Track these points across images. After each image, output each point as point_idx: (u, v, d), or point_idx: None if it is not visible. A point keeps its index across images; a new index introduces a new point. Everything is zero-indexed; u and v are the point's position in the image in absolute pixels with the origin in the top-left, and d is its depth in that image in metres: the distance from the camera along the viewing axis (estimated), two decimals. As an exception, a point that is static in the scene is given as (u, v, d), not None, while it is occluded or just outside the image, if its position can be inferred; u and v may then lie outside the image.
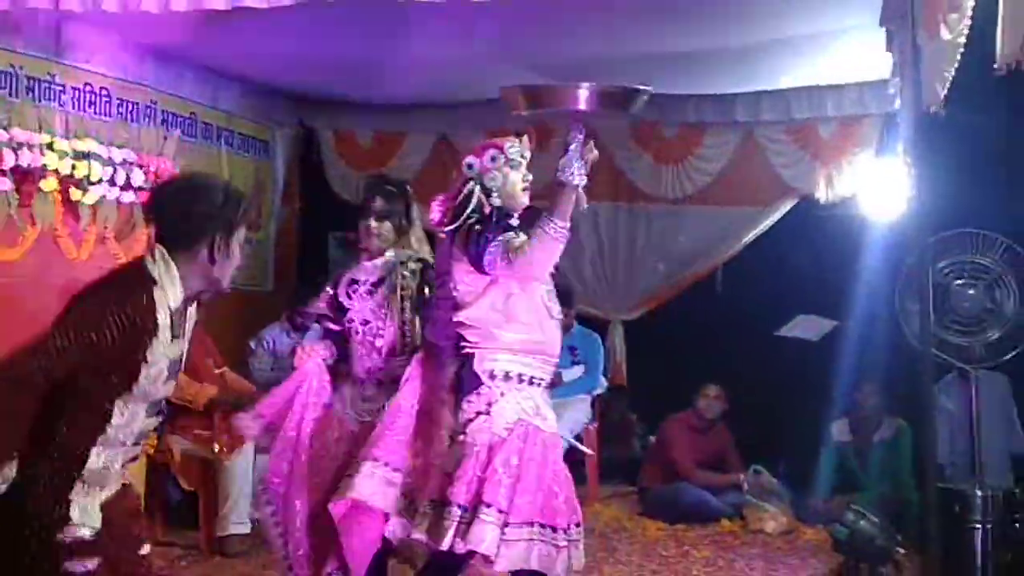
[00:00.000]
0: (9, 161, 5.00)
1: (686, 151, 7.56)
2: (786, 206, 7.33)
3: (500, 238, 3.52)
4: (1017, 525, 5.63)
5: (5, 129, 5.03)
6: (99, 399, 2.58)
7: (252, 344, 6.61)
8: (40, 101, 5.49)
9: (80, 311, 2.57)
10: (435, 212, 3.74)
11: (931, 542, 5.15)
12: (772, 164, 7.29)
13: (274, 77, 7.19)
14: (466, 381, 3.56)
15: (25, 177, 5.13)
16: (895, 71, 5.92)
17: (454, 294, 3.63)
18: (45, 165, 5.19)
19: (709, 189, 7.52)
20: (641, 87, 3.82)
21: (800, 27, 5.74)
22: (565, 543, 3.48)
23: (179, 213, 2.66)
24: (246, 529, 5.41)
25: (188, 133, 6.81)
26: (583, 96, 3.66)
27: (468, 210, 3.61)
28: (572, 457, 6.41)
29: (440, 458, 3.59)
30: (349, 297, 4.14)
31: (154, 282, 2.60)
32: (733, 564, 5.32)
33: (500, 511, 3.40)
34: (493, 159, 3.68)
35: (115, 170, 5.60)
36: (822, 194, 7.11)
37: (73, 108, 5.72)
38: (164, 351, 2.63)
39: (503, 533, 3.39)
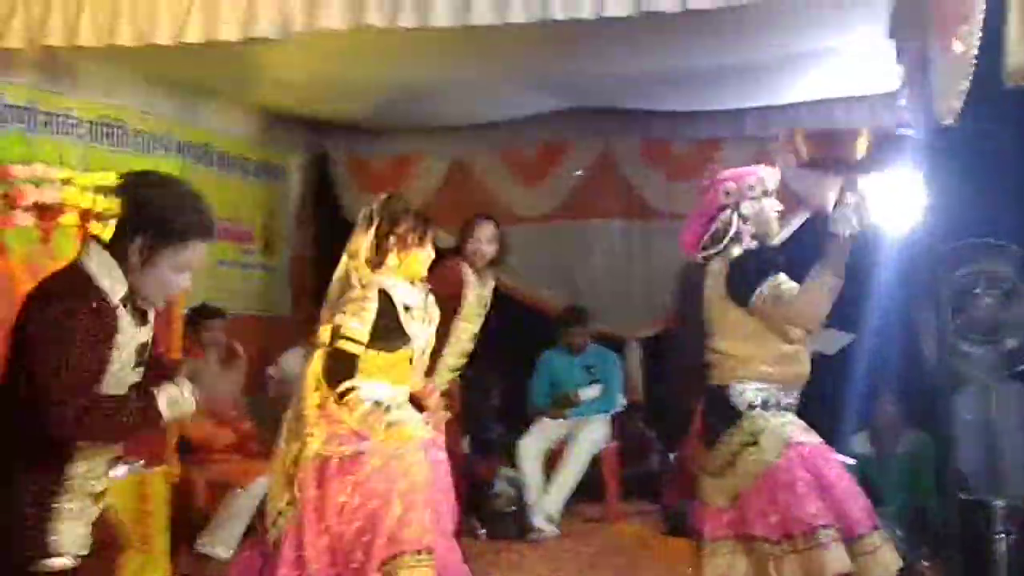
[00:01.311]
0: (31, 197, 5.04)
1: (699, 166, 7.55)
2: (800, 219, 7.34)
3: (771, 280, 3.56)
4: (1040, 536, 5.63)
5: (27, 164, 5.08)
6: None
7: (270, 371, 6.64)
8: (57, 134, 5.56)
9: (39, 330, 2.55)
10: (686, 236, 3.80)
11: (954, 553, 5.15)
12: (785, 176, 7.27)
13: (286, 103, 7.25)
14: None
15: (45, 213, 5.16)
16: (905, 83, 5.94)
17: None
18: (64, 200, 5.22)
19: (720, 204, 7.52)
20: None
21: (808, 42, 5.77)
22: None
23: (122, 205, 2.64)
24: (226, 555, 5.32)
25: (203, 162, 6.87)
26: (864, 145, 3.81)
27: (728, 237, 3.67)
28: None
29: None
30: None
31: (90, 279, 2.58)
32: (756, 579, 5.30)
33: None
34: (751, 187, 3.75)
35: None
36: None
37: (91, 140, 5.79)
38: (128, 339, 2.62)
39: None
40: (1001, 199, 6.55)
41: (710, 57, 5.93)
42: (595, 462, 6.59)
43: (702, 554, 3.77)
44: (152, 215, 2.61)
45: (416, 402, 3.99)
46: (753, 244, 3.73)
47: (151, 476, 4.60)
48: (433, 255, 3.99)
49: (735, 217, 3.70)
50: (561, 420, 6.60)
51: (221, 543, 5.34)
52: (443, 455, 3.97)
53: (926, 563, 5.25)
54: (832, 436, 6.28)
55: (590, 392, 6.63)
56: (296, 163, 7.92)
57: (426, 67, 5.95)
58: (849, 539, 3.52)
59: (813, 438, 3.66)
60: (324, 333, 3.77)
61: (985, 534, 5.46)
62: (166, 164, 6.20)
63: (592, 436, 6.52)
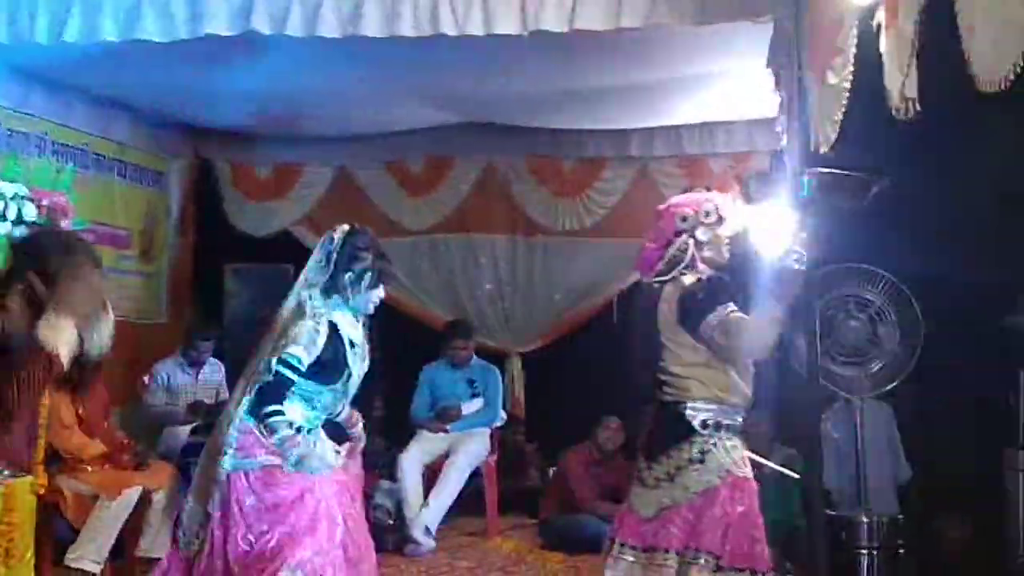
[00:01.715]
0: None
1: (583, 184, 7.69)
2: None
3: (719, 311, 3.60)
4: (901, 551, 5.84)
5: None
6: None
7: (146, 379, 6.50)
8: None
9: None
10: (641, 259, 3.86)
11: (819, 568, 5.30)
12: (666, 197, 7.36)
13: (168, 107, 7.11)
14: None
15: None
16: (782, 110, 6.12)
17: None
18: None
19: (605, 222, 7.65)
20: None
21: (692, 67, 5.90)
22: None
23: None
24: (95, 569, 5.20)
25: (81, 164, 6.69)
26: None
27: (683, 264, 3.74)
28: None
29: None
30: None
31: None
32: (631, 594, 5.37)
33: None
34: (708, 213, 3.82)
35: (6, 205, 5.46)
36: (714, 228, 7.27)
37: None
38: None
39: None
40: (872, 225, 6.79)
41: (596, 77, 6.02)
42: (475, 476, 6.60)
43: (608, 555, 3.86)
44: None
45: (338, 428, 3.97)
46: (706, 271, 3.80)
47: (16, 486, 4.45)
48: (383, 295, 3.93)
49: (691, 243, 3.78)
50: (442, 434, 6.59)
51: (90, 556, 5.20)
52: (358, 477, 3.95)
53: (791, 577, 5.38)
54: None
55: (472, 406, 6.65)
56: (177, 168, 7.77)
57: (311, 77, 5.91)
58: (731, 570, 3.64)
59: (749, 471, 3.80)
60: (267, 360, 3.70)
61: (850, 549, 5.65)
62: (39, 165, 6.01)
63: (473, 450, 6.53)
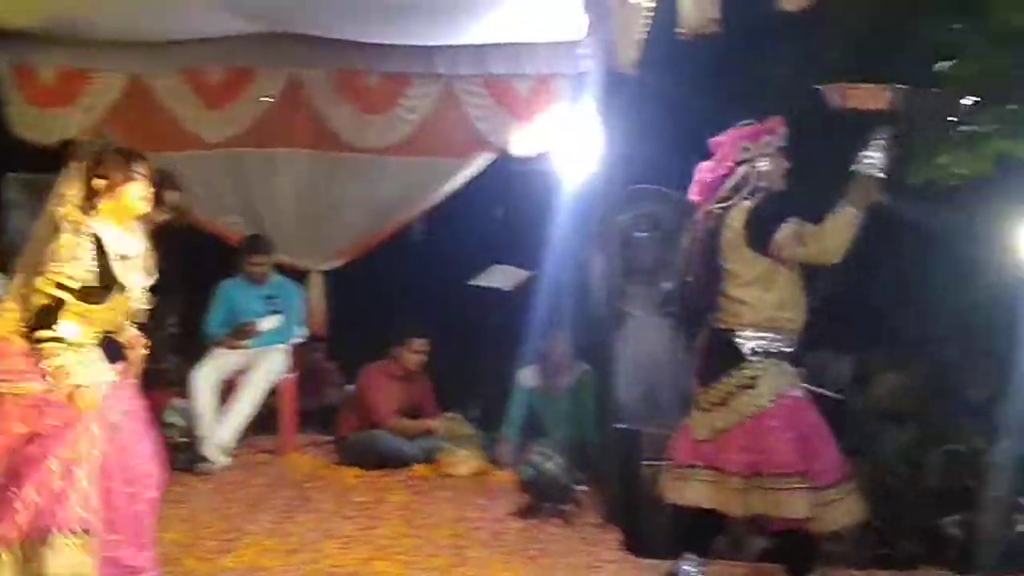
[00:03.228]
0: None
1: (389, 101, 7.55)
2: (484, 159, 7.48)
3: (791, 223, 3.82)
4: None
5: None
6: None
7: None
8: None
9: None
10: (699, 187, 4.04)
11: (609, 479, 5.49)
12: (471, 117, 7.42)
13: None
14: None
15: None
16: (589, 31, 6.16)
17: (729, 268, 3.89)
18: None
19: (411, 140, 7.55)
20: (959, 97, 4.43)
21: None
22: None
23: None
24: None
25: None
26: (898, 98, 3.98)
27: (746, 189, 3.93)
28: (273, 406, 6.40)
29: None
30: None
31: None
32: (425, 507, 5.44)
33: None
34: (768, 144, 3.99)
35: None
36: (518, 149, 7.30)
37: None
38: None
39: None
40: (670, 146, 6.95)
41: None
42: (272, 393, 6.51)
43: (669, 476, 4.12)
44: None
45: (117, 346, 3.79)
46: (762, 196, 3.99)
47: None
48: (148, 190, 3.72)
49: (752, 172, 3.96)
50: (239, 351, 6.46)
51: None
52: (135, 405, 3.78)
53: (584, 488, 5.54)
54: (507, 369, 6.59)
55: (270, 322, 6.52)
56: (-47, 70, 7.24)
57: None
58: (816, 488, 3.84)
59: (800, 391, 3.98)
60: (30, 280, 3.48)
61: (638, 461, 5.85)
62: None
63: (270, 367, 6.43)
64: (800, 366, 4.18)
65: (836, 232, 3.83)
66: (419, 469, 6.15)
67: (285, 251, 7.36)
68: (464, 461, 6.12)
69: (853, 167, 3.86)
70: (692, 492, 4.01)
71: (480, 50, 7.24)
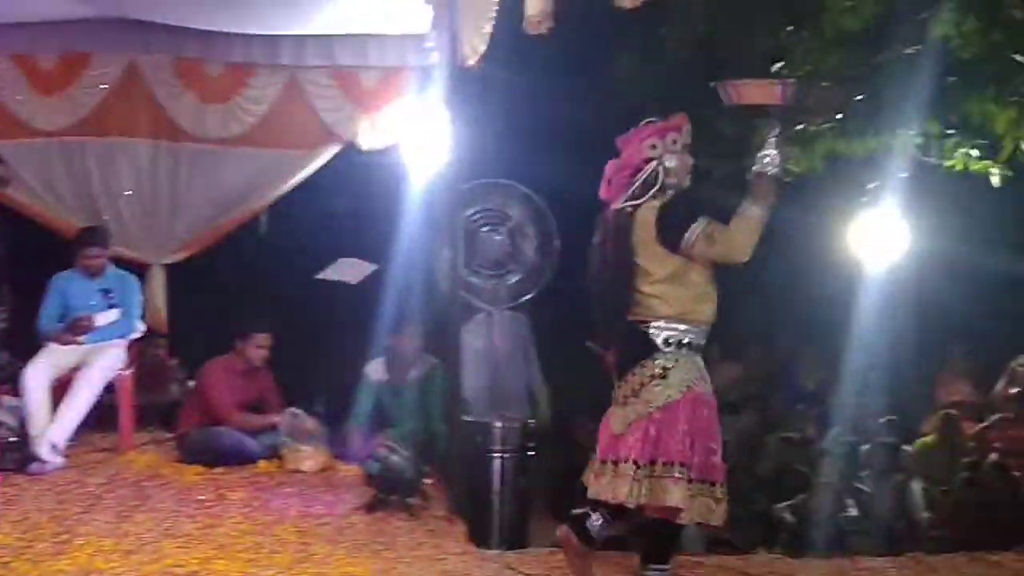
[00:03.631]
0: None
1: (232, 91, 7.41)
2: (330, 151, 7.41)
3: (701, 222, 3.90)
4: (531, 453, 6.18)
5: None
6: None
7: None
8: None
9: None
10: (608, 185, 4.09)
11: (455, 471, 5.53)
12: (316, 109, 7.34)
13: None
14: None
15: None
16: (434, 24, 6.17)
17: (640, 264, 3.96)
18: None
19: (255, 131, 7.42)
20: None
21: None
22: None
23: None
24: None
25: None
26: (789, 93, 3.96)
27: (655, 188, 3.98)
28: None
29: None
30: None
31: None
32: (269, 503, 5.35)
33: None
34: (674, 141, 4.05)
35: None
36: (364, 141, 7.26)
37: None
38: None
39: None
40: (516, 142, 7.03)
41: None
42: (110, 390, 6.31)
43: (592, 471, 4.12)
44: None
45: None
46: (670, 193, 4.05)
47: None
48: None
49: (660, 169, 4.01)
50: (74, 347, 6.23)
51: None
52: None
53: (430, 481, 5.56)
54: (355, 362, 6.55)
55: (106, 317, 6.31)
56: None
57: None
58: (693, 480, 3.92)
59: (708, 387, 4.06)
60: None
61: (484, 453, 5.91)
62: None
63: (106, 363, 6.21)
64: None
65: (743, 232, 3.92)
66: (263, 466, 6.06)
67: (124, 244, 7.16)
68: (309, 457, 6.06)
69: (756, 168, 3.96)
70: (604, 486, 4.04)
71: (326, 41, 7.17)
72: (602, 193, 4.17)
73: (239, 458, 6.09)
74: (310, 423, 6.24)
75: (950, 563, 4.90)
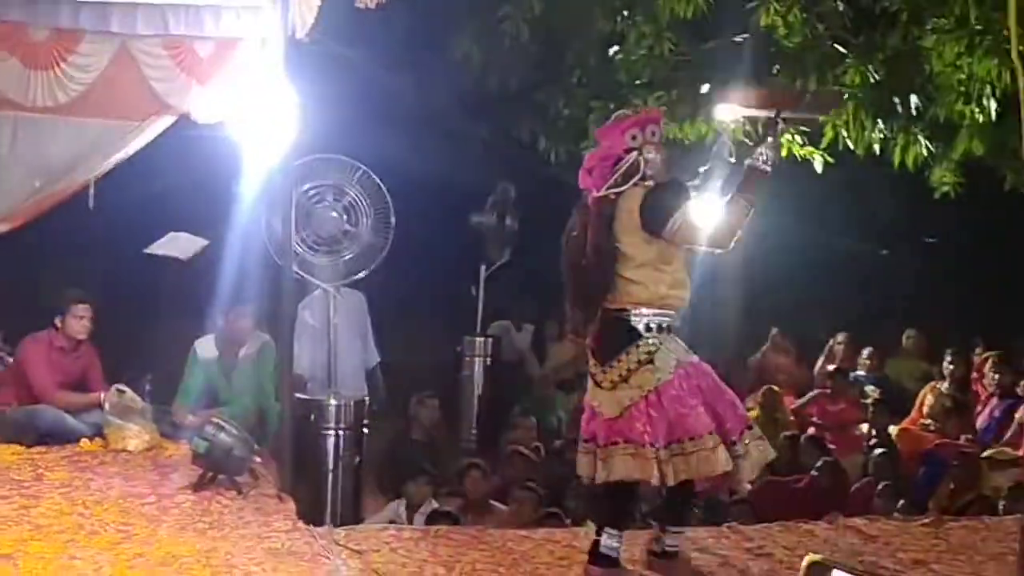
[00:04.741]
0: None
1: (58, 57, 7.10)
2: (162, 123, 7.15)
3: (685, 209, 4.01)
4: (366, 430, 6.19)
5: None
6: None
7: None
8: None
9: None
10: (588, 174, 4.14)
11: (286, 449, 5.49)
12: (148, 79, 7.09)
13: None
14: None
15: None
16: (268, -5, 6.07)
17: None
18: None
19: (82, 100, 7.12)
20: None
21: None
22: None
23: None
24: None
25: None
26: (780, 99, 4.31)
27: (636, 178, 4.06)
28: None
29: None
30: None
31: None
32: (90, 484, 5.18)
33: None
34: (653, 133, 4.15)
35: None
36: (198, 114, 7.07)
37: None
38: None
39: None
40: (351, 117, 6.99)
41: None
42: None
43: (592, 456, 4.14)
44: None
45: None
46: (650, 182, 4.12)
47: None
48: None
49: (640, 159, 4.09)
50: None
51: None
52: None
53: (259, 459, 5.49)
54: (185, 338, 6.43)
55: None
56: None
57: None
58: (728, 443, 4.05)
59: (694, 357, 4.16)
60: None
61: (318, 430, 5.90)
62: None
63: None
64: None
65: (729, 220, 4.04)
66: (85, 445, 5.88)
67: (-60, 215, 6.82)
68: (135, 435, 5.88)
69: (746, 161, 4.09)
70: (621, 468, 4.07)
71: (159, 9, 6.95)
72: (582, 183, 4.24)
73: (60, 437, 5.89)
74: (136, 401, 6.08)
75: (765, 531, 5.10)
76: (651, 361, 4.07)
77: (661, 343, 4.09)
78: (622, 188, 4.12)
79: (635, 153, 4.14)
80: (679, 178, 4.23)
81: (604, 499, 4.28)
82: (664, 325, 4.12)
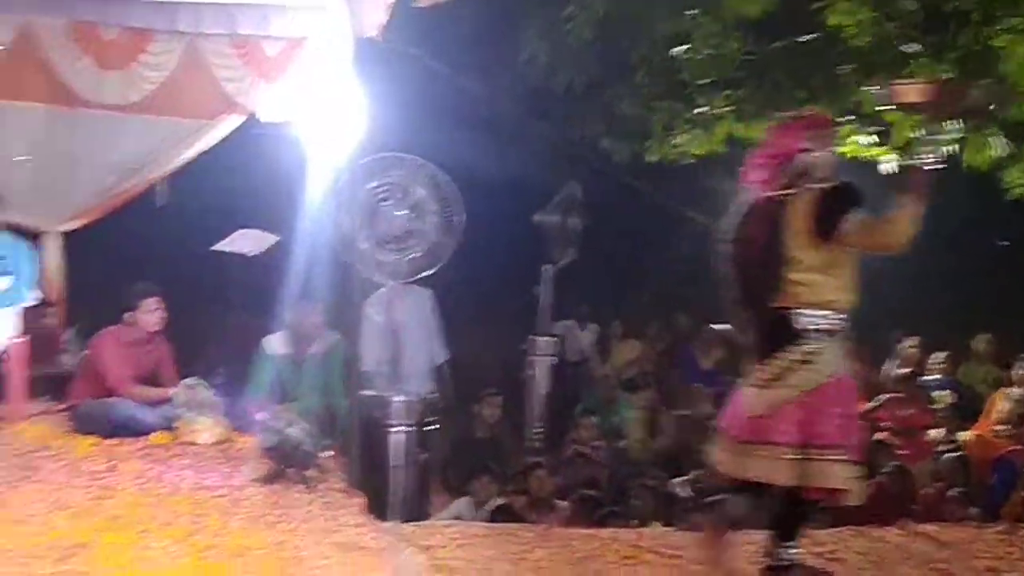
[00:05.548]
0: None
1: (129, 56, 7.23)
2: (231, 121, 7.27)
3: (857, 211, 3.91)
4: (434, 427, 6.22)
5: None
6: None
7: None
8: None
9: None
10: (756, 172, 4.10)
11: (353, 444, 5.54)
12: (217, 78, 7.19)
13: None
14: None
15: None
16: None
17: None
18: None
19: (153, 98, 7.25)
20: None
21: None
22: None
23: None
24: None
25: None
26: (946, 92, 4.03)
27: (807, 178, 3.99)
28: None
29: None
30: None
31: None
32: (163, 475, 5.26)
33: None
34: (828, 135, 4.17)
35: None
36: (265, 113, 7.15)
37: None
38: None
39: None
40: (418, 115, 7.01)
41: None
42: (0, 359, 6.16)
43: (729, 451, 4.12)
44: None
45: None
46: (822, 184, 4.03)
47: None
48: None
49: (812, 161, 4.05)
50: (-39, 316, 6.07)
51: None
52: None
53: (329, 454, 5.54)
54: (255, 333, 6.50)
55: (-1, 285, 6.17)
56: None
57: None
58: (852, 462, 4.01)
59: (849, 372, 4.11)
60: None
61: (384, 426, 5.93)
62: None
63: (-3, 331, 6.08)
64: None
65: (902, 223, 3.92)
66: (157, 437, 5.97)
67: (18, 211, 6.96)
68: (206, 429, 5.97)
69: (911, 159, 4.02)
70: (755, 467, 4.05)
71: (226, 9, 7.04)
72: (746, 178, 4.19)
73: (133, 430, 5.99)
74: (206, 395, 6.16)
75: (837, 536, 5.04)
76: (811, 362, 4.00)
77: (824, 346, 4.02)
78: (792, 190, 4.05)
79: (806, 154, 4.08)
80: (850, 181, 4.11)
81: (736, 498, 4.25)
82: (828, 328, 4.04)
